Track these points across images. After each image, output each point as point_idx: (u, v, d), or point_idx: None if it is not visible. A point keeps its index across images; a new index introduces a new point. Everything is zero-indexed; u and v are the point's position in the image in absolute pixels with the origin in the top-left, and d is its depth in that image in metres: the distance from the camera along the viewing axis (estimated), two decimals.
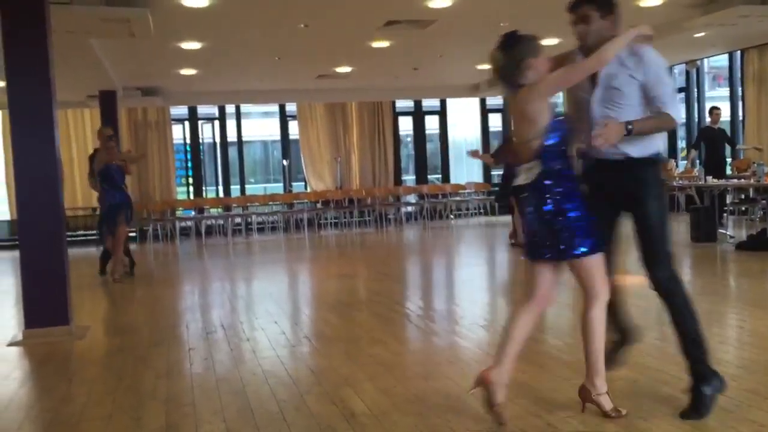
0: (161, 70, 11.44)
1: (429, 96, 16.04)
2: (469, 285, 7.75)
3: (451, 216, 15.33)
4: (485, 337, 5.01)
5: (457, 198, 15.68)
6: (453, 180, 16.56)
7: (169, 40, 9.04)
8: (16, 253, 6.09)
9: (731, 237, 9.18)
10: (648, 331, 4.95)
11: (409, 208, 15.44)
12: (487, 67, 14.24)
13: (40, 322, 5.57)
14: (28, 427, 3.63)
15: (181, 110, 15.25)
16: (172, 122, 14.94)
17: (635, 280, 7.09)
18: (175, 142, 14.98)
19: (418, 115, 16.35)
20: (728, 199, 10.73)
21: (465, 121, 17.31)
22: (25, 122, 5.60)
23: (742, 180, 10.00)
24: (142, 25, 7.13)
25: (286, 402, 3.72)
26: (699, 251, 8.57)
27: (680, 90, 14.43)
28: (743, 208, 10.98)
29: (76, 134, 14.22)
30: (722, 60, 13.86)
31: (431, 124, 16.57)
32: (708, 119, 11.49)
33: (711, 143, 10.98)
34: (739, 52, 12.58)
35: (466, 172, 17.53)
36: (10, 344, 5.48)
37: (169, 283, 8.05)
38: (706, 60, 13.94)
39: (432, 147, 16.75)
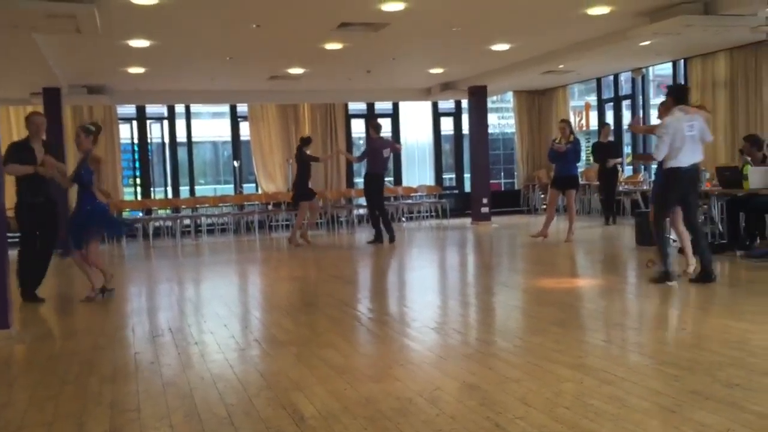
0: (108, 68, 11.18)
1: (382, 99, 16.06)
2: (420, 287, 7.78)
3: (403, 219, 15.38)
4: (436, 340, 5.04)
5: (409, 201, 15.74)
6: (405, 183, 16.62)
7: (116, 37, 8.84)
8: None
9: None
10: (595, 333, 5.05)
11: (361, 211, 15.42)
12: (439, 71, 14.47)
13: None
14: None
15: (128, 109, 14.94)
16: (120, 121, 14.63)
17: (586, 283, 7.24)
18: (122, 141, 14.67)
19: (371, 117, 16.36)
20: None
21: (417, 125, 17.39)
22: None
23: None
24: (89, 21, 6.96)
25: (235, 406, 3.67)
26: (644, 254, 8.78)
27: (626, 97, 14.79)
28: None
29: (19, 132, 13.79)
30: (667, 68, 14.24)
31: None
32: (599, 134, 12.03)
33: (603, 157, 11.32)
34: (682, 60, 12.95)
35: (418, 175, 17.62)
36: None
37: (114, 285, 7.83)
38: (651, 68, 14.31)
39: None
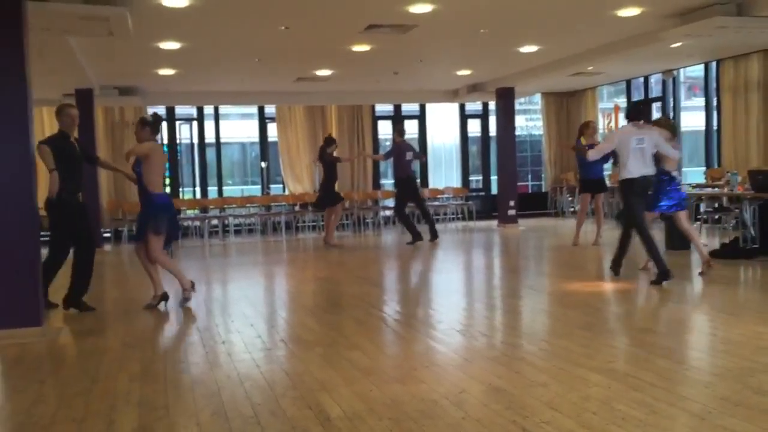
0: (139, 70, 11.34)
1: (409, 100, 16.08)
2: (446, 289, 7.76)
3: None
4: (462, 342, 5.02)
5: (436, 203, 15.71)
6: (431, 185, 16.60)
7: (148, 39, 8.96)
8: None
9: (704, 245, 9.29)
10: (622, 337, 5.00)
11: (388, 212, 15.44)
12: (466, 72, 14.40)
13: (11, 322, 5.48)
14: None
15: (158, 110, 15.12)
16: None
17: (613, 286, 7.18)
18: None
19: (398, 119, 16.37)
20: (702, 207, 10.87)
21: (444, 126, 17.37)
22: (0, 120, 5.52)
23: (716, 189, 10.15)
24: (121, 24, 7.06)
25: (261, 405, 3.70)
26: (673, 259, 8.66)
27: (656, 99, 14.61)
28: (717, 217, 11.12)
29: (52, 132, 14.01)
30: (698, 70, 14.04)
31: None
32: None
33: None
34: (714, 62, 12.77)
35: (445, 177, 17.59)
36: None
37: (143, 284, 7.93)
38: (682, 70, 14.12)
39: None
